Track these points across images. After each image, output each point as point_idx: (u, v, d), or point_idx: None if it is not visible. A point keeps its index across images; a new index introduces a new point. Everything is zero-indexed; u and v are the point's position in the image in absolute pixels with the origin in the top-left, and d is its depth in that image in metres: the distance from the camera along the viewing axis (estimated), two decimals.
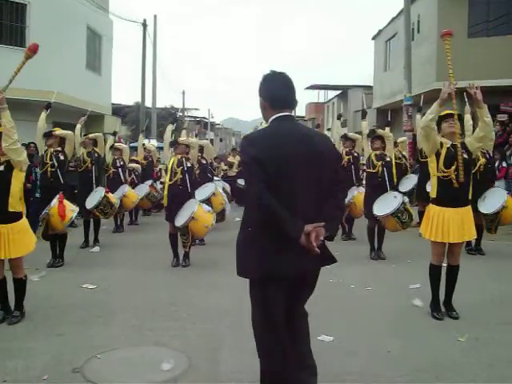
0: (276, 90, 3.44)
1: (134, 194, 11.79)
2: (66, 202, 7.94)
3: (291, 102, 3.46)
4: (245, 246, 3.43)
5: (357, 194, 9.76)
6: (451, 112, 5.53)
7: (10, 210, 5.38)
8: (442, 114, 5.57)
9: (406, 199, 8.59)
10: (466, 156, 5.51)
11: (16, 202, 5.43)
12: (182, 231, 8.15)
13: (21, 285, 5.59)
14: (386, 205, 8.29)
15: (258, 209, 3.25)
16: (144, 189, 12.54)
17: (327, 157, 3.37)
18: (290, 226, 3.11)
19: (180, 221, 8.03)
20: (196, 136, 12.69)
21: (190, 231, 8.06)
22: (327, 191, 3.34)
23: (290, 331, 3.42)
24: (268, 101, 3.44)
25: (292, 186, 3.21)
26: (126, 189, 11.41)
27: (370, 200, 8.70)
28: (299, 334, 3.56)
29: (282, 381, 3.38)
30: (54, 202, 7.80)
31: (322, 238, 3.14)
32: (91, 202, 9.49)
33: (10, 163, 5.44)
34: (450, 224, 5.43)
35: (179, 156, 8.30)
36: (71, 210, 8.05)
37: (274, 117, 3.39)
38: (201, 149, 10.72)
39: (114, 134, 12.11)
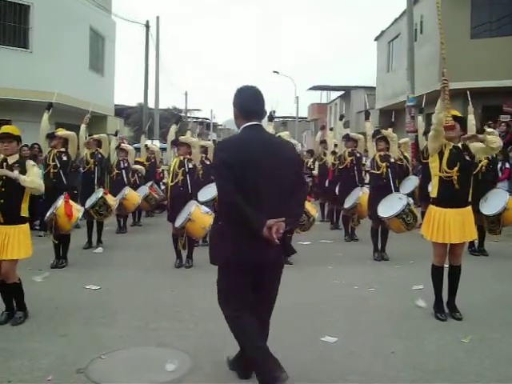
0: (247, 102, 3.96)
1: (136, 196, 11.54)
2: (71, 201, 7.98)
3: (260, 113, 4.00)
4: (215, 238, 4.06)
5: (362, 195, 9.74)
6: (454, 114, 5.49)
7: (22, 214, 5.54)
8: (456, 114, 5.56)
9: (411, 201, 8.59)
10: (468, 158, 5.51)
11: (26, 207, 5.60)
12: (180, 232, 8.18)
13: (16, 288, 5.59)
14: (390, 206, 8.28)
15: (226, 206, 3.87)
16: (143, 190, 12.50)
17: (289, 161, 3.90)
18: (253, 220, 3.65)
19: (177, 222, 8.07)
20: (198, 136, 12.66)
21: (187, 232, 8.08)
22: (289, 191, 3.86)
23: (254, 315, 3.98)
24: (239, 111, 3.97)
25: (256, 186, 3.73)
26: (125, 191, 11.21)
27: (374, 201, 8.69)
28: (259, 319, 4.03)
29: (261, 355, 3.88)
30: (61, 202, 7.81)
31: (281, 231, 3.64)
32: (89, 202, 9.51)
33: (24, 168, 5.54)
34: (451, 225, 5.43)
35: (181, 157, 8.32)
36: (77, 209, 8.10)
37: (244, 125, 3.93)
38: (205, 150, 10.72)
39: (116, 134, 12.10)
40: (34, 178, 5.54)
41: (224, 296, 4.08)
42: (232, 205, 3.74)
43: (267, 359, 3.83)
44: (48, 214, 7.87)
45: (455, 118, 5.48)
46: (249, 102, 3.97)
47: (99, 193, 9.57)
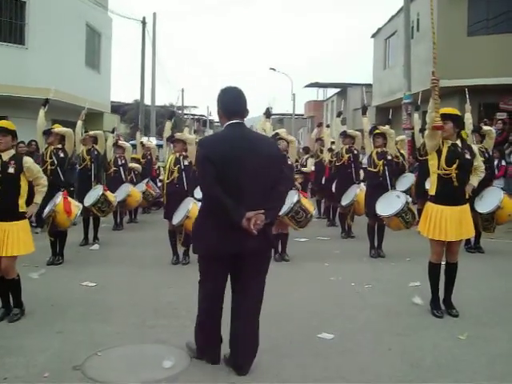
0: (229, 102, 4.25)
1: (138, 193, 11.87)
2: (69, 198, 7.97)
3: (241, 112, 4.23)
4: (198, 230, 4.30)
5: (359, 192, 9.72)
6: (442, 112, 5.48)
7: (20, 210, 5.55)
8: (447, 112, 5.54)
9: (409, 199, 8.59)
10: (468, 157, 5.51)
11: (24, 203, 5.60)
12: (178, 229, 8.17)
13: (15, 284, 5.58)
14: (389, 205, 8.27)
15: (208, 198, 4.20)
16: (141, 187, 12.52)
17: (270, 157, 4.15)
18: (233, 212, 3.90)
19: (175, 220, 8.07)
20: (195, 133, 12.62)
21: (186, 229, 8.07)
22: (271, 185, 4.10)
23: (233, 303, 4.35)
24: (223, 110, 4.23)
25: (237, 180, 3.98)
26: (129, 188, 11.42)
27: (370, 199, 8.68)
28: (236, 308, 4.34)
29: (208, 338, 4.45)
30: (60, 198, 7.80)
31: (260, 223, 3.89)
32: (89, 199, 9.49)
33: (20, 165, 5.55)
34: (448, 222, 5.42)
35: (177, 154, 8.31)
36: (76, 205, 8.10)
37: (227, 123, 4.18)
38: None
39: (113, 131, 12.09)
40: (39, 187, 5.85)
41: (201, 284, 4.50)
42: (213, 197, 4.03)
43: (214, 332, 4.42)
44: (46, 210, 7.85)
45: (449, 115, 5.47)
46: (231, 101, 4.26)
47: (99, 190, 9.56)
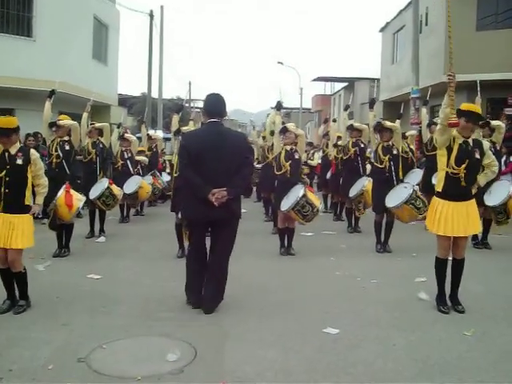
0: (210, 105, 5.70)
1: (147, 185, 11.98)
2: (72, 191, 7.95)
3: (219, 114, 5.63)
4: (183, 202, 6.05)
5: (367, 183, 9.63)
6: (474, 111, 5.40)
7: (26, 203, 5.57)
8: (465, 108, 5.46)
9: (416, 187, 8.55)
10: (477, 156, 5.46)
11: (30, 195, 5.63)
12: (184, 223, 8.13)
13: (21, 277, 5.60)
14: (396, 196, 8.26)
15: (183, 179, 5.81)
16: (147, 180, 12.54)
17: (236, 148, 5.50)
18: (201, 189, 5.35)
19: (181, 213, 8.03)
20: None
21: None
22: (236, 169, 5.44)
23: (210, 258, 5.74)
24: (205, 111, 5.75)
25: (208, 165, 5.34)
26: (140, 180, 11.52)
27: (377, 193, 8.66)
28: (211, 262, 5.73)
29: (194, 289, 5.73)
30: (61, 192, 7.79)
31: (222, 198, 5.28)
32: (94, 192, 9.49)
33: (28, 157, 5.57)
34: (455, 217, 5.40)
35: None
36: (78, 199, 8.06)
37: (207, 121, 5.64)
38: None
39: (119, 126, 12.05)
40: (39, 188, 5.88)
41: (189, 241, 6.12)
42: (186, 178, 5.58)
43: (195, 283, 5.72)
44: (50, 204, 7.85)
45: (462, 111, 5.40)
46: (212, 105, 5.69)
47: (105, 183, 9.57)
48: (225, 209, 5.36)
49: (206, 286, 5.65)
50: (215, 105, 5.68)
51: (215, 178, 5.30)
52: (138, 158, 12.44)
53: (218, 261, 5.69)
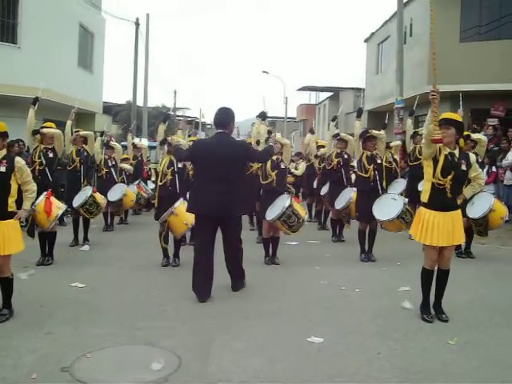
0: (216, 118, 6.57)
1: (132, 193, 12.03)
2: (53, 198, 7.90)
3: (224, 125, 6.52)
4: (192, 197, 6.81)
5: (353, 195, 9.67)
6: (444, 117, 5.46)
7: (9, 210, 5.50)
8: (446, 117, 5.51)
9: (406, 200, 8.61)
10: (464, 168, 5.51)
11: (13, 202, 5.56)
12: (162, 226, 8.16)
13: (8, 283, 5.56)
14: (387, 208, 8.29)
15: (179, 159, 7.67)
16: (133, 189, 12.52)
17: (235, 155, 6.39)
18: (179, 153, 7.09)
19: (162, 216, 8.06)
20: (189, 136, 12.58)
21: (169, 227, 8.04)
22: (235, 172, 6.41)
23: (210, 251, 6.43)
24: (214, 122, 6.64)
25: (210, 167, 6.29)
26: (124, 187, 11.56)
27: (362, 203, 8.68)
28: (224, 251, 6.66)
29: (196, 275, 6.40)
30: (41, 198, 7.73)
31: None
32: (78, 200, 9.45)
33: (12, 165, 5.52)
34: (441, 228, 5.43)
35: (172, 156, 8.26)
36: (58, 207, 7.98)
37: (215, 132, 6.66)
38: None
39: (102, 134, 12.01)
40: (27, 193, 5.83)
41: (195, 235, 7.00)
42: (177, 156, 7.41)
43: (199, 276, 6.36)
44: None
45: (452, 121, 5.46)
46: (217, 118, 6.56)
47: (88, 191, 9.52)
48: (231, 206, 6.30)
49: (229, 270, 6.74)
50: (220, 118, 6.54)
51: (218, 180, 6.21)
52: (122, 165, 12.39)
53: (232, 244, 6.64)
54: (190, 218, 7.72)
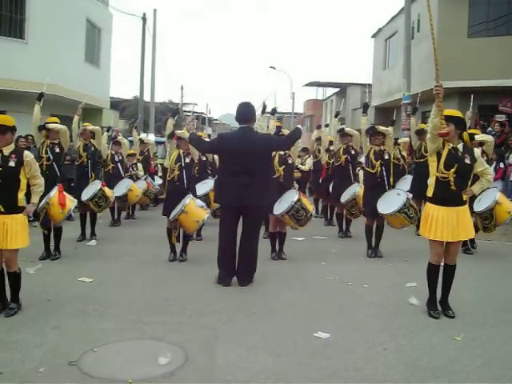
0: (237, 114, 6.97)
1: (137, 188, 12.04)
2: (65, 193, 7.95)
3: (246, 120, 6.90)
4: (217, 189, 7.21)
5: (359, 190, 9.67)
6: (446, 114, 5.46)
7: (19, 204, 5.54)
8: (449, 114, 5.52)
9: (410, 195, 8.58)
10: (468, 161, 5.49)
11: (23, 197, 5.60)
12: (173, 224, 8.16)
13: (15, 278, 5.59)
14: (390, 203, 8.28)
15: (200, 150, 8.26)
16: (141, 184, 12.54)
17: (259, 147, 6.76)
18: (195, 143, 7.44)
19: (171, 214, 8.04)
20: (196, 130, 12.59)
21: (180, 225, 8.04)
22: (260, 163, 6.77)
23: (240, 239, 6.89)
24: (236, 117, 6.98)
25: (237, 159, 6.65)
26: (130, 183, 11.61)
27: (368, 198, 8.67)
28: (240, 245, 6.89)
29: (223, 263, 6.87)
30: (54, 191, 7.78)
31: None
32: (87, 194, 9.48)
33: (21, 159, 5.55)
34: (445, 223, 5.42)
35: (181, 151, 8.26)
36: (71, 200, 8.09)
37: (238, 127, 6.99)
38: None
39: (108, 129, 12.04)
40: (36, 187, 5.84)
41: (220, 226, 7.02)
42: (198, 147, 7.67)
43: (225, 257, 6.87)
44: (41, 203, 7.82)
45: (450, 117, 5.45)
46: (239, 113, 6.95)
47: (97, 185, 9.58)
48: (255, 196, 6.63)
49: (239, 264, 6.87)
50: (242, 113, 6.93)
51: (243, 172, 6.57)
52: (133, 173, 12.55)
53: (248, 240, 6.84)
54: (201, 215, 7.74)
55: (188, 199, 7.92)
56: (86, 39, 21.46)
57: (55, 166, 8.29)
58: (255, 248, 6.93)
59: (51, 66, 17.32)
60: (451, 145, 5.47)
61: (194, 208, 7.86)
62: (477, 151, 5.75)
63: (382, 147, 8.70)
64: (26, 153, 5.69)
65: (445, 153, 5.44)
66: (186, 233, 8.28)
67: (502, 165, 12.63)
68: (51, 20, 18.04)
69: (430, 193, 5.60)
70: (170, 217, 8.02)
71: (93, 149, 9.90)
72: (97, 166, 10.44)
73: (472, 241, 9.02)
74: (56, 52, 18.23)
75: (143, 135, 17.10)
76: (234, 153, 6.67)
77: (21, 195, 5.54)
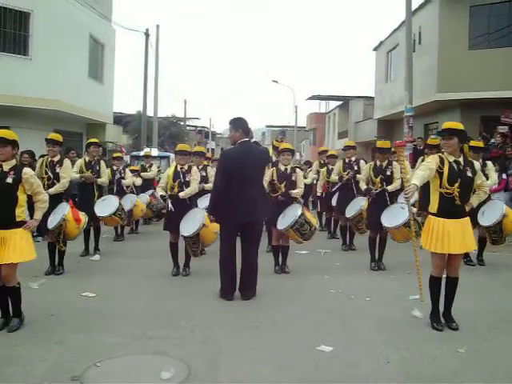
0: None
1: (142, 203, 12.10)
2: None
3: (246, 134, 6.94)
4: (220, 208, 6.87)
5: (365, 203, 9.67)
6: (446, 127, 5.49)
7: (17, 220, 5.51)
8: (441, 128, 5.59)
9: (414, 209, 8.58)
10: (469, 175, 5.51)
11: (22, 212, 5.57)
12: (191, 240, 7.97)
13: (15, 292, 5.57)
14: (394, 216, 8.29)
15: (214, 187, 7.14)
16: (144, 199, 12.54)
17: (260, 160, 7.07)
18: (212, 204, 7.01)
19: (189, 230, 7.87)
20: (199, 144, 12.63)
21: (201, 238, 7.98)
22: (260, 176, 7.12)
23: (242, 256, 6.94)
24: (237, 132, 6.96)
25: (243, 178, 6.70)
26: (134, 198, 11.69)
27: (371, 211, 8.70)
28: (244, 259, 6.94)
29: (226, 278, 6.88)
30: (67, 208, 7.81)
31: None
32: (106, 209, 9.75)
33: (19, 176, 5.50)
34: (451, 235, 5.42)
35: (179, 166, 8.26)
36: (83, 214, 8.17)
37: (239, 141, 6.92)
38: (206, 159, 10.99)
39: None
40: (39, 203, 5.84)
41: (221, 242, 7.05)
42: (216, 188, 7.00)
43: (228, 279, 6.85)
44: (56, 221, 7.78)
45: (453, 130, 5.48)
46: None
47: (114, 200, 10.00)
48: (252, 214, 6.74)
49: (242, 278, 6.92)
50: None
51: (245, 183, 6.68)
52: (126, 182, 12.26)
53: (251, 254, 6.90)
54: (217, 226, 7.70)
55: (203, 212, 7.88)
56: (90, 55, 21.63)
57: (56, 183, 8.18)
58: (256, 260, 6.98)
59: (55, 82, 17.48)
60: (452, 158, 5.49)
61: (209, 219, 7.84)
62: (477, 164, 5.76)
63: (384, 163, 8.71)
64: (26, 170, 5.64)
65: (446, 168, 5.45)
66: (187, 248, 8.21)
67: (504, 176, 12.62)
68: (55, 36, 18.21)
69: (433, 209, 5.60)
70: (191, 233, 7.85)
71: (97, 168, 9.83)
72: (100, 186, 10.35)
73: (479, 254, 9.01)
74: (60, 68, 18.37)
75: (146, 149, 17.14)
76: (240, 168, 6.68)
77: (18, 211, 5.50)
